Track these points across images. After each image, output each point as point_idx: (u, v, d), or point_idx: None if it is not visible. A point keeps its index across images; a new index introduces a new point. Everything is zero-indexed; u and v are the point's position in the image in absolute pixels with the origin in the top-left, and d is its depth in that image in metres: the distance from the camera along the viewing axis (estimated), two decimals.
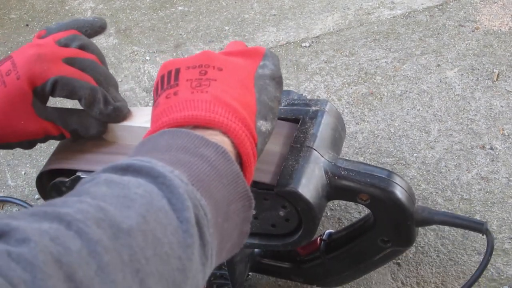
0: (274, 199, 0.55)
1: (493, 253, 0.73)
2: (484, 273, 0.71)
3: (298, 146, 0.57)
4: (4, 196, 0.87)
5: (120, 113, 0.60)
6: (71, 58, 0.58)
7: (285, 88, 1.03)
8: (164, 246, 0.34)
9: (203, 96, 0.46)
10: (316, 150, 0.57)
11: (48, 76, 0.56)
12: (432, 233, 0.76)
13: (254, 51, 0.53)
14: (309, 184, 0.55)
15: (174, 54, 1.12)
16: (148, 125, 0.60)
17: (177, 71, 0.49)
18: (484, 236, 0.61)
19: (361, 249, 0.64)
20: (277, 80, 0.53)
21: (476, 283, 0.70)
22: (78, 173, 0.60)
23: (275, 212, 0.56)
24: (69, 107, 0.62)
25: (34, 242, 0.28)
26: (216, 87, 0.47)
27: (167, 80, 0.49)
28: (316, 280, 0.70)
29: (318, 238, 0.67)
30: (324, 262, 0.67)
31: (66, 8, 1.29)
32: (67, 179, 0.60)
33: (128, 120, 0.61)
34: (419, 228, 0.71)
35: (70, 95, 0.57)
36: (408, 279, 0.72)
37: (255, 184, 0.54)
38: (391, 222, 0.60)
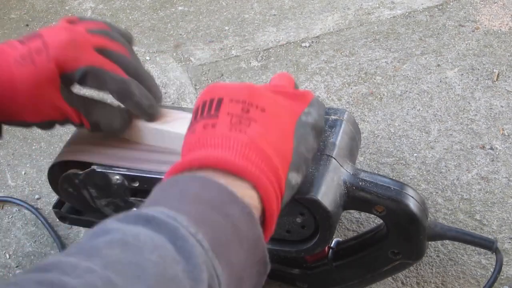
0: (293, 205, 0.55)
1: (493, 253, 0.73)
2: (484, 273, 0.71)
3: (318, 154, 0.57)
4: (4, 196, 0.87)
5: (152, 108, 0.58)
6: (103, 49, 0.57)
7: None
8: None
9: (240, 136, 0.44)
10: (335, 159, 0.57)
11: (79, 65, 0.55)
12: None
13: (302, 95, 0.51)
14: (328, 193, 0.55)
15: (174, 54, 1.12)
16: (172, 129, 0.59)
17: (219, 101, 0.47)
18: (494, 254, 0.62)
19: (370, 260, 0.64)
20: (318, 130, 0.51)
21: (476, 283, 0.70)
22: (93, 167, 0.59)
23: (292, 218, 0.56)
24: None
25: None
26: (255, 129, 0.45)
27: (208, 109, 0.47)
28: (321, 287, 0.70)
29: (327, 246, 0.67)
30: (331, 270, 0.66)
31: (66, 8, 1.29)
32: (81, 172, 0.60)
33: (155, 121, 0.60)
34: None
35: (99, 87, 0.56)
36: (408, 279, 0.72)
37: None
38: (403, 235, 0.60)
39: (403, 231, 0.60)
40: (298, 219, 0.56)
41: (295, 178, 0.47)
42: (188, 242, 0.35)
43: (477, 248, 0.73)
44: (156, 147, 0.61)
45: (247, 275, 0.40)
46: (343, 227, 0.78)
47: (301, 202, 0.54)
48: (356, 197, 0.57)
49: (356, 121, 0.91)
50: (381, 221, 0.61)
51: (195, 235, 0.36)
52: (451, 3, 1.14)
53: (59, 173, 0.62)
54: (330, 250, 0.67)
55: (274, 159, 0.45)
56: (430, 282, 0.71)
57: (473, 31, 1.07)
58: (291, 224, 0.57)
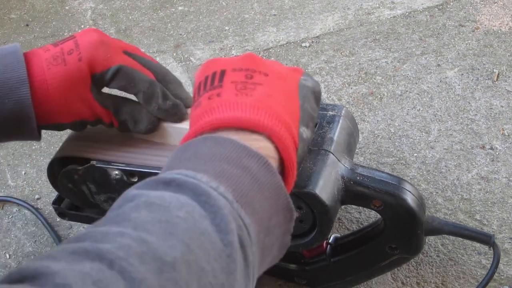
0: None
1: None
2: (484, 273, 0.71)
3: (316, 149, 0.58)
4: (4, 196, 0.87)
5: (178, 111, 0.58)
6: (131, 53, 0.58)
7: None
8: (208, 275, 0.33)
9: (247, 99, 0.45)
10: (333, 154, 0.58)
11: (110, 64, 0.55)
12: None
13: (294, 68, 0.52)
14: (326, 187, 0.55)
15: (174, 54, 1.12)
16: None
17: (223, 72, 0.48)
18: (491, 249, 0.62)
19: (367, 255, 0.64)
20: (317, 94, 0.52)
21: (476, 283, 0.70)
22: (93, 162, 0.60)
23: None
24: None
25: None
26: (262, 92, 0.46)
27: (211, 81, 0.48)
28: (319, 283, 0.70)
29: (325, 242, 0.67)
30: (329, 265, 0.67)
31: (66, 8, 1.29)
32: (80, 167, 0.60)
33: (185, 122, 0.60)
34: None
35: (128, 87, 0.56)
36: (408, 279, 0.72)
37: None
38: (401, 230, 0.60)
39: (400, 225, 0.60)
40: (296, 213, 0.56)
41: (306, 132, 0.48)
42: (211, 196, 0.35)
43: (477, 248, 0.73)
44: (158, 144, 0.61)
45: (274, 223, 0.40)
46: (343, 227, 0.78)
47: (299, 196, 0.54)
48: (353, 191, 0.58)
49: (356, 121, 0.91)
50: (380, 217, 0.61)
51: (216, 189, 0.36)
52: (451, 3, 1.14)
53: (59, 169, 0.62)
54: (328, 245, 0.67)
55: (284, 114, 0.45)
56: (430, 282, 0.71)
57: (473, 31, 1.07)
58: None
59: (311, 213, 0.56)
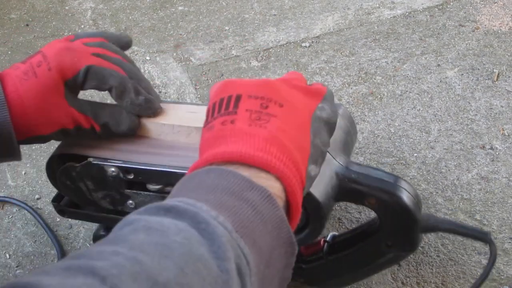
0: None
1: None
2: None
3: None
4: (4, 196, 0.87)
5: (152, 105, 0.59)
6: (99, 54, 0.58)
7: None
8: None
9: (261, 131, 0.44)
10: (328, 152, 0.58)
11: (79, 67, 0.56)
12: (432, 233, 0.76)
13: (315, 90, 0.51)
14: (319, 185, 0.55)
15: (174, 54, 1.12)
16: (178, 122, 0.60)
17: (238, 98, 0.47)
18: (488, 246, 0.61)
19: (364, 253, 0.64)
20: (331, 126, 0.51)
21: None
22: (90, 159, 0.60)
23: None
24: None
25: None
26: (275, 125, 0.45)
27: (226, 105, 0.47)
28: (317, 281, 0.70)
29: (322, 240, 0.67)
30: (326, 263, 0.67)
31: (66, 8, 1.29)
32: (77, 164, 0.61)
33: (160, 117, 0.61)
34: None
35: (100, 85, 0.57)
36: (408, 279, 0.72)
37: None
38: (396, 227, 0.60)
39: (395, 223, 0.60)
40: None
41: (314, 170, 0.48)
42: (210, 224, 0.35)
43: (477, 248, 0.73)
44: (152, 140, 0.61)
45: (275, 257, 0.40)
46: (343, 227, 0.78)
47: None
48: (348, 188, 0.58)
49: (356, 121, 0.91)
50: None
51: (216, 218, 0.36)
52: (451, 3, 1.14)
53: (57, 166, 0.62)
54: (326, 243, 0.67)
55: (295, 153, 0.45)
56: (430, 282, 0.71)
57: (473, 31, 1.07)
58: None
59: (304, 210, 0.56)
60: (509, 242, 0.74)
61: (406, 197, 0.58)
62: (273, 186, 0.42)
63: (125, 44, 0.64)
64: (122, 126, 0.59)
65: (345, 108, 0.64)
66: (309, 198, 0.54)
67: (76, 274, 0.30)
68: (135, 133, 0.61)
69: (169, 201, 0.38)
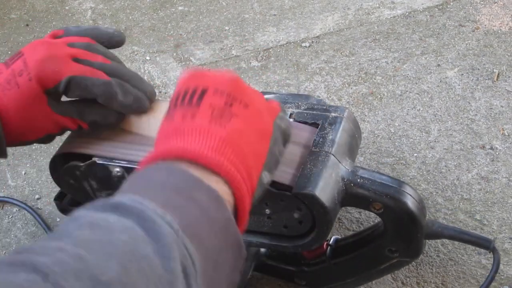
0: (290, 200, 0.55)
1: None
2: (484, 273, 0.71)
3: (317, 150, 0.58)
4: (4, 197, 0.87)
5: (142, 103, 0.58)
6: (80, 59, 0.57)
7: (285, 88, 1.03)
8: None
9: (219, 131, 0.44)
10: (334, 156, 0.58)
11: (60, 77, 0.55)
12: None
13: (273, 102, 0.52)
14: (326, 189, 0.55)
15: (174, 54, 1.12)
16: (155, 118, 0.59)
17: (204, 91, 0.47)
18: (491, 254, 0.62)
19: (367, 257, 0.64)
20: (287, 137, 0.52)
21: (476, 283, 0.70)
22: (94, 159, 0.60)
23: (290, 213, 0.57)
24: None
25: None
26: (235, 125, 0.45)
27: (190, 97, 0.47)
28: (318, 284, 0.70)
29: (325, 243, 0.67)
30: (329, 267, 0.67)
31: (66, 8, 1.29)
32: (82, 164, 0.60)
33: (148, 113, 0.60)
34: None
35: (84, 94, 0.56)
36: (408, 279, 0.72)
37: (273, 184, 0.54)
38: (401, 233, 0.60)
39: (400, 229, 0.60)
40: (296, 214, 0.56)
41: (267, 177, 0.48)
42: (156, 223, 0.35)
43: (477, 248, 0.73)
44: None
45: (222, 259, 0.40)
46: (343, 227, 0.78)
47: (299, 197, 0.54)
48: (354, 194, 0.58)
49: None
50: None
51: (163, 216, 0.36)
52: (451, 3, 1.14)
53: (61, 165, 0.62)
54: (329, 247, 0.67)
55: (249, 157, 0.45)
56: (430, 282, 0.71)
57: (473, 31, 1.07)
58: (288, 219, 0.57)
59: (310, 214, 0.56)
60: (509, 242, 0.74)
61: (411, 202, 0.58)
62: (222, 189, 0.42)
63: (116, 43, 0.63)
64: (110, 118, 0.59)
65: (349, 111, 0.64)
66: (315, 201, 0.54)
67: (18, 270, 0.30)
68: (121, 121, 0.60)
69: (117, 197, 0.38)
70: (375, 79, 0.99)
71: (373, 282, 0.72)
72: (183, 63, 1.09)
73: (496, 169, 0.82)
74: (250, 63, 1.07)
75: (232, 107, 0.46)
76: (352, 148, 0.63)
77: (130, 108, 0.58)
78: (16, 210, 0.86)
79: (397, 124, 0.90)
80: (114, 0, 1.29)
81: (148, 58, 1.12)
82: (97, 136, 0.62)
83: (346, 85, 0.99)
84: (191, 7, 1.24)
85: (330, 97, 0.97)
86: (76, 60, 0.57)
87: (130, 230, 0.34)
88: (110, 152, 0.60)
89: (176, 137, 0.44)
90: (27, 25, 1.25)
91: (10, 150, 0.94)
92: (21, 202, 0.85)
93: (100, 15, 1.25)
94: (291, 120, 0.62)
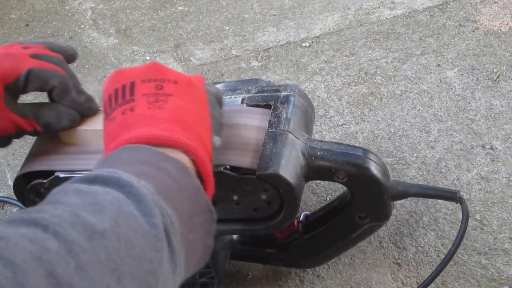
0: (256, 183, 0.56)
1: (493, 253, 0.73)
2: (485, 273, 0.71)
3: (274, 130, 0.59)
4: (4, 197, 0.87)
5: (92, 105, 0.59)
6: (38, 54, 0.58)
7: None
8: (136, 248, 0.34)
9: (160, 113, 0.46)
10: (291, 133, 0.59)
11: (19, 71, 0.56)
12: (432, 233, 0.76)
13: (197, 75, 0.54)
14: (288, 166, 0.56)
15: (174, 54, 1.12)
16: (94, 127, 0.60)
17: (132, 84, 0.49)
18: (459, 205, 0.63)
19: (339, 227, 0.66)
20: (220, 100, 0.54)
21: (476, 283, 0.70)
22: (57, 173, 0.60)
23: (257, 196, 0.58)
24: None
25: (12, 241, 0.29)
26: (173, 103, 0.47)
27: (122, 95, 0.48)
28: (296, 262, 0.71)
29: (296, 221, 0.68)
30: (303, 243, 0.68)
31: (66, 8, 1.29)
32: (45, 180, 0.60)
33: (96, 123, 0.60)
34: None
35: (42, 86, 0.57)
36: (408, 279, 0.72)
37: (236, 170, 0.56)
38: (368, 198, 0.61)
39: (366, 194, 0.61)
40: (263, 195, 0.57)
41: (218, 141, 0.51)
42: (133, 186, 0.37)
43: (477, 248, 0.73)
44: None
45: (195, 223, 0.42)
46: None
47: (263, 178, 0.55)
48: (316, 166, 0.59)
49: (356, 121, 0.92)
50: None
51: (138, 181, 0.38)
52: (451, 3, 1.14)
53: (24, 185, 0.62)
54: (300, 224, 0.68)
55: (197, 127, 0.47)
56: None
57: (473, 31, 1.07)
58: (256, 201, 0.58)
59: (277, 193, 0.57)
60: (509, 242, 0.74)
61: (373, 167, 0.59)
62: (183, 159, 0.44)
63: (69, 56, 0.63)
64: (62, 122, 0.59)
65: (299, 88, 0.65)
66: (280, 180, 0.55)
67: (18, 225, 0.31)
68: (74, 126, 0.60)
69: (91, 172, 0.40)
70: (375, 79, 0.99)
71: (373, 282, 0.72)
72: (183, 63, 1.09)
73: (496, 169, 0.82)
74: (250, 63, 1.07)
75: (163, 89, 0.48)
76: (307, 123, 0.63)
77: (81, 106, 0.58)
78: (16, 210, 0.86)
79: (397, 124, 0.91)
80: (114, 0, 1.29)
81: (148, 58, 1.12)
82: (55, 151, 0.61)
83: (346, 85, 0.99)
84: (191, 7, 1.24)
85: (330, 97, 0.97)
86: (34, 56, 0.58)
87: (112, 194, 0.37)
88: (71, 165, 0.60)
89: (123, 132, 0.46)
90: (27, 25, 1.25)
91: (10, 150, 0.94)
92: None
93: (100, 15, 1.25)
94: (244, 105, 0.62)
